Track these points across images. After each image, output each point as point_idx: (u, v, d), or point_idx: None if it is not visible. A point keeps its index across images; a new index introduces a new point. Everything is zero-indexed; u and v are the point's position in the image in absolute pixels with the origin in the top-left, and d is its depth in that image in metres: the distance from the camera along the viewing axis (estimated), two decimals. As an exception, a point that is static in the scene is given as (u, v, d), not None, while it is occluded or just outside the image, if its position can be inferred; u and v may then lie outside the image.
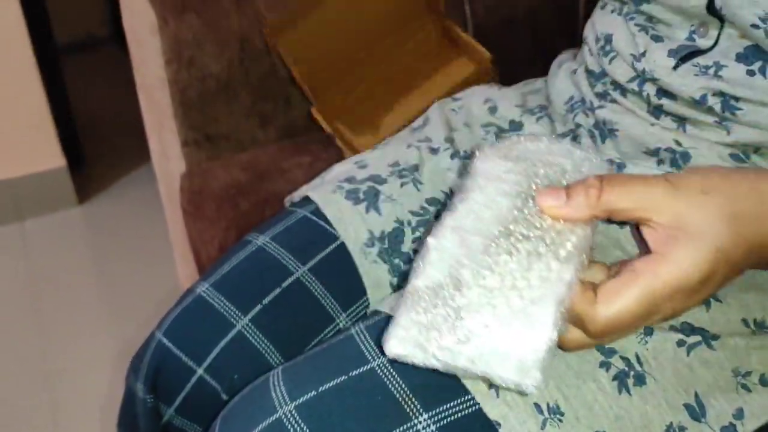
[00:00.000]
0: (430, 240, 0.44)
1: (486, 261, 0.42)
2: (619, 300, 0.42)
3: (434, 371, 0.44)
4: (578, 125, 0.63)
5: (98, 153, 1.92)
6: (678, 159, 0.57)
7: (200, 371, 0.57)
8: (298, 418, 0.45)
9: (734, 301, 0.52)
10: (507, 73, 0.86)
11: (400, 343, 0.41)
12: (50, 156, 1.71)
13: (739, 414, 0.50)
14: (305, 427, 0.44)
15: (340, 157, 0.87)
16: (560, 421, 0.47)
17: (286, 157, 0.96)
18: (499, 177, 0.46)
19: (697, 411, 0.50)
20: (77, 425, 1.26)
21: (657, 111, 0.57)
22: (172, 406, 0.58)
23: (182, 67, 0.93)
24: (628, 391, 0.49)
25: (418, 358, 0.41)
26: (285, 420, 0.45)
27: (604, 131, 0.61)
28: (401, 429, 0.45)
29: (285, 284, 0.59)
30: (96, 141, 1.94)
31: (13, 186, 1.70)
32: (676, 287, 0.42)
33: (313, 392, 0.46)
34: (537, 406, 0.47)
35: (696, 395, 0.50)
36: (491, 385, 0.47)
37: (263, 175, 0.93)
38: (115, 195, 1.82)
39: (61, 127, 1.72)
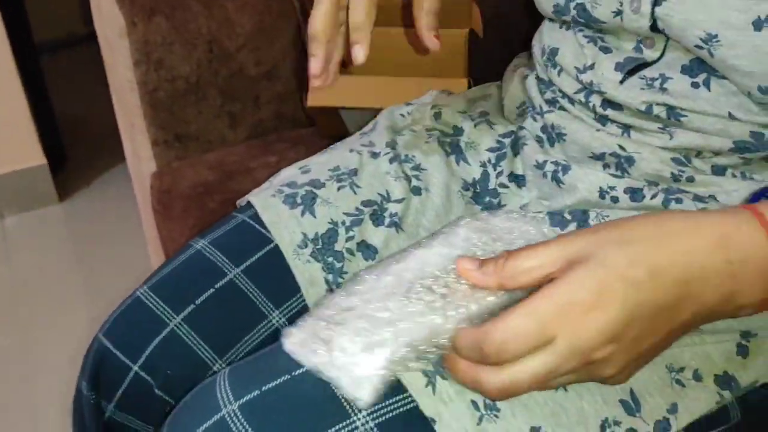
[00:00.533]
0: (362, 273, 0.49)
1: (385, 297, 0.46)
2: (506, 316, 0.41)
3: None
4: (521, 128, 0.65)
5: (79, 151, 1.93)
6: (623, 163, 0.58)
7: (135, 368, 0.61)
8: (240, 416, 0.46)
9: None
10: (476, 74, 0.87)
11: (291, 341, 0.47)
12: (31, 154, 1.71)
13: (673, 408, 0.52)
14: (247, 426, 0.46)
15: (306, 156, 0.88)
16: (496, 417, 0.49)
17: (254, 157, 0.97)
18: (452, 243, 0.50)
19: (632, 406, 0.51)
20: (57, 423, 1.28)
21: (603, 119, 0.59)
22: (112, 402, 0.62)
23: (151, 69, 0.94)
24: (564, 388, 0.50)
25: (301, 356, 0.46)
26: (228, 419, 0.46)
27: (552, 135, 0.63)
28: (341, 426, 0.47)
29: (218, 285, 0.62)
30: (77, 139, 1.94)
31: (-6, 184, 1.71)
32: (561, 303, 0.41)
33: (256, 392, 0.48)
34: (473, 402, 0.48)
35: (631, 391, 0.52)
36: (428, 382, 0.48)
37: (231, 175, 0.95)
38: (95, 192, 1.82)
39: (42, 126, 1.73)
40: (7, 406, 1.31)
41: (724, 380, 0.53)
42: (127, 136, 1.07)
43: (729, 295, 0.42)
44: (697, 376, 0.53)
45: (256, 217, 0.65)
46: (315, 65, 0.56)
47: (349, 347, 0.44)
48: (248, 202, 0.67)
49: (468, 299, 0.45)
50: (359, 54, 0.56)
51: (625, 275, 0.40)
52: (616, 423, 0.51)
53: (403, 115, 0.73)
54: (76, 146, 1.93)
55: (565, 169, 0.61)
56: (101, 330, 0.63)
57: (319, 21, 0.55)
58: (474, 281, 0.45)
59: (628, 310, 0.41)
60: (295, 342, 0.46)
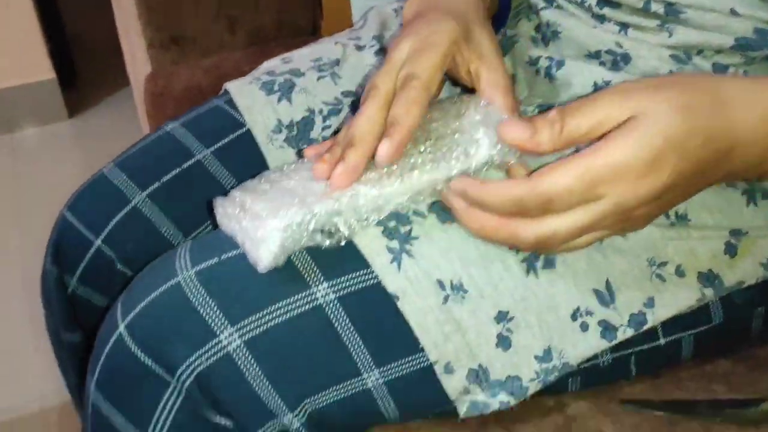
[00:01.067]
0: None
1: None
2: (554, 172, 0.40)
3: (339, 249, 0.46)
4: (513, 30, 0.62)
5: (90, 69, 1.92)
6: (619, 60, 0.55)
7: (98, 242, 0.61)
8: (197, 281, 0.45)
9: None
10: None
11: (219, 210, 0.47)
12: (40, 68, 1.71)
13: (650, 303, 0.50)
14: (203, 290, 0.45)
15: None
16: (463, 298, 0.47)
17: (251, 63, 0.94)
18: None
19: (606, 297, 0.50)
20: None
21: (600, 18, 0.56)
22: (75, 276, 0.62)
23: (147, -34, 0.91)
24: (536, 274, 0.49)
25: (224, 224, 0.47)
26: (184, 284, 0.45)
27: (547, 34, 0.60)
28: (300, 296, 0.45)
29: (186, 165, 0.61)
30: (87, 57, 1.93)
31: (4, 96, 1.71)
32: (616, 166, 0.40)
33: (215, 259, 0.47)
34: (440, 282, 0.47)
35: (607, 282, 0.50)
36: (393, 259, 0.47)
37: (225, 79, 0.91)
38: (104, 110, 1.82)
39: (52, 41, 1.71)
40: (13, 323, 1.32)
41: (707, 278, 0.51)
42: (125, 40, 1.05)
43: (759, 164, 0.44)
44: (680, 272, 0.51)
45: (231, 103, 0.64)
46: (339, 170, 0.45)
47: (259, 213, 0.44)
48: (225, 90, 0.65)
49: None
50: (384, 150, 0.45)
51: (683, 146, 0.40)
52: (589, 313, 0.49)
53: (395, 11, 0.70)
54: (87, 65, 1.92)
55: (559, 64, 0.58)
56: (65, 206, 0.62)
57: (363, 122, 0.46)
58: (528, 150, 0.43)
59: (676, 177, 0.41)
60: (220, 210, 0.47)
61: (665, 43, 0.53)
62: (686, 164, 0.41)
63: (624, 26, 0.55)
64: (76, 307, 0.63)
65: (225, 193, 0.61)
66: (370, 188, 0.45)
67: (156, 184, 0.61)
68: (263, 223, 0.43)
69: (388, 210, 0.46)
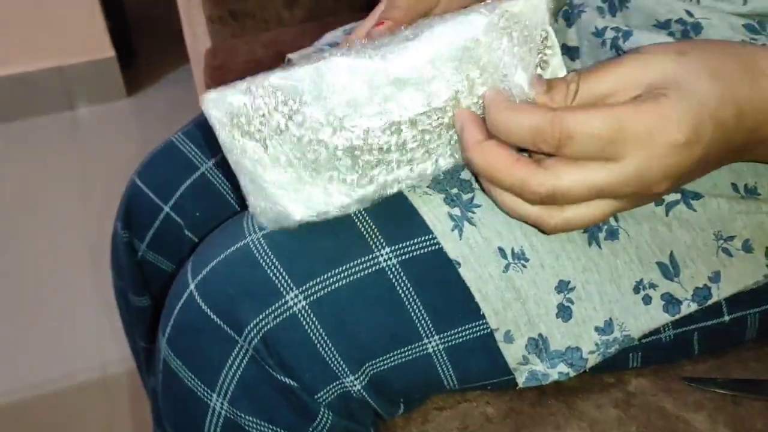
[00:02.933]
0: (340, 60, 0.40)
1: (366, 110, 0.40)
2: (585, 112, 0.37)
3: (401, 215, 0.46)
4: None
5: (148, 48, 1.95)
6: (689, 30, 0.54)
7: (166, 209, 0.62)
8: (264, 243, 0.46)
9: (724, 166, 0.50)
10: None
11: (216, 102, 0.41)
12: (99, 46, 1.75)
13: (716, 277, 0.49)
14: (270, 252, 0.46)
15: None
16: (524, 266, 0.47)
17: (308, 37, 0.95)
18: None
19: (670, 270, 0.49)
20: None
21: None
22: (144, 241, 0.64)
23: (208, -59, 0.93)
24: (599, 245, 0.48)
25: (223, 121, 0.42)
26: (251, 245, 0.46)
27: (614, 3, 0.58)
28: (363, 259, 0.46)
29: None
30: (147, 36, 1.97)
31: (65, 73, 1.76)
32: (651, 127, 0.37)
33: None
34: (501, 250, 0.47)
35: (671, 255, 0.49)
36: (455, 226, 0.47)
37: (283, 53, 0.93)
38: (162, 89, 1.85)
39: (112, 20, 1.75)
40: (74, 280, 1.37)
41: (776, 254, 0.50)
42: (186, 16, 1.07)
43: None
44: (747, 247, 0.50)
45: None
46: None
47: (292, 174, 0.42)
48: (287, 61, 0.66)
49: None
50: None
51: (716, 115, 0.38)
52: (652, 286, 0.49)
53: None
54: (146, 44, 1.96)
55: (626, 35, 0.57)
56: (135, 172, 0.64)
57: None
58: (540, 102, 0.41)
59: (707, 150, 0.38)
60: (221, 105, 0.42)
61: (739, 11, 0.51)
62: (721, 135, 0.38)
63: None
64: (145, 272, 0.65)
65: None
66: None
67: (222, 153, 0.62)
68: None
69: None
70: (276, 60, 0.94)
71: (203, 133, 0.63)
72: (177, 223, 0.62)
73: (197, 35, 1.01)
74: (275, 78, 0.40)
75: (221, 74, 0.94)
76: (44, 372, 1.19)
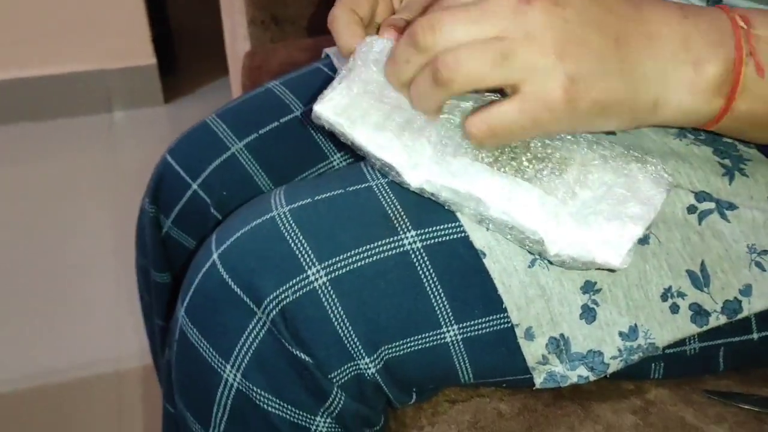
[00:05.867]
0: None
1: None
2: None
3: (429, 200, 0.45)
4: None
5: (189, 58, 1.99)
6: None
7: (195, 186, 0.62)
8: (290, 217, 0.46)
9: (763, 179, 0.49)
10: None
11: (330, 106, 0.44)
12: (142, 53, 1.78)
13: (747, 291, 0.48)
14: (295, 226, 0.45)
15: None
16: (550, 263, 0.46)
17: (348, 44, 0.97)
18: None
19: (700, 279, 0.48)
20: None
21: None
22: (170, 217, 0.64)
23: (255, -54, 0.95)
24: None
25: (343, 126, 0.44)
26: (277, 218, 0.46)
27: None
28: (387, 241, 0.45)
29: (284, 120, 0.63)
30: (189, 46, 2.00)
31: (105, 77, 1.79)
32: None
33: (308, 199, 0.47)
34: (528, 245, 0.46)
35: (702, 264, 0.48)
36: (481, 219, 0.46)
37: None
38: (200, 99, 1.88)
39: (156, 27, 1.79)
40: (103, 275, 1.38)
41: (811, 272, 0.49)
42: (227, 17, 1.09)
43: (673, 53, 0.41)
44: (781, 262, 0.49)
45: (331, 66, 0.65)
46: None
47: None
48: (327, 55, 0.67)
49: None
50: None
51: None
52: (681, 294, 0.47)
53: None
54: (188, 54, 1.99)
55: None
56: (168, 149, 0.65)
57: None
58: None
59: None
60: (337, 108, 0.44)
61: None
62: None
63: None
64: (168, 249, 0.65)
65: (318, 151, 0.63)
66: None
67: (254, 135, 0.62)
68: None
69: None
70: (314, 62, 0.95)
71: (235, 115, 0.64)
72: (204, 201, 0.62)
73: (237, 38, 1.03)
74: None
75: (258, 74, 0.95)
76: (59, 361, 1.20)
